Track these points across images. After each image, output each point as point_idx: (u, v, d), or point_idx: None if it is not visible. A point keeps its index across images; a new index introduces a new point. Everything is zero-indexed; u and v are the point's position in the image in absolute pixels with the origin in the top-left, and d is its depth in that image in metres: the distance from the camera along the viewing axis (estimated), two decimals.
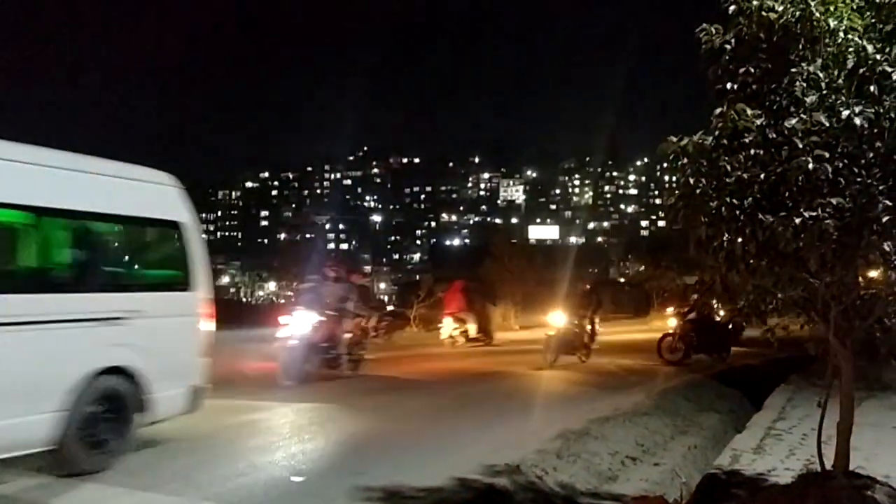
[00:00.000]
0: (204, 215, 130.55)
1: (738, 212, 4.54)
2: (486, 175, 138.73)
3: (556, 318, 14.43)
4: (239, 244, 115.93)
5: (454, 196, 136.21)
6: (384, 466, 6.38)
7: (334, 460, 6.79)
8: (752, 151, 4.54)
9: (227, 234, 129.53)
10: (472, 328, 18.80)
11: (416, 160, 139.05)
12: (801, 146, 4.32)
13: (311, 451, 7.12)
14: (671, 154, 4.82)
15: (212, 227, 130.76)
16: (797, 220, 4.27)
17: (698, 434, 9.60)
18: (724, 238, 4.61)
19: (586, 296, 15.72)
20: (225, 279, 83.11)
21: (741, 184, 4.54)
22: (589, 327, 14.83)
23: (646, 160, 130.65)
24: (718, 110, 4.64)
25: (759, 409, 10.37)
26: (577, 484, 6.67)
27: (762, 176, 4.50)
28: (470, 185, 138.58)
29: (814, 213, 4.25)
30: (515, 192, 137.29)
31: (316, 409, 9.19)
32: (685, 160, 4.75)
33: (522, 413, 9.34)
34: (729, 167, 4.56)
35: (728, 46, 4.74)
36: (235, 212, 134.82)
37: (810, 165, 4.24)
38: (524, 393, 11.35)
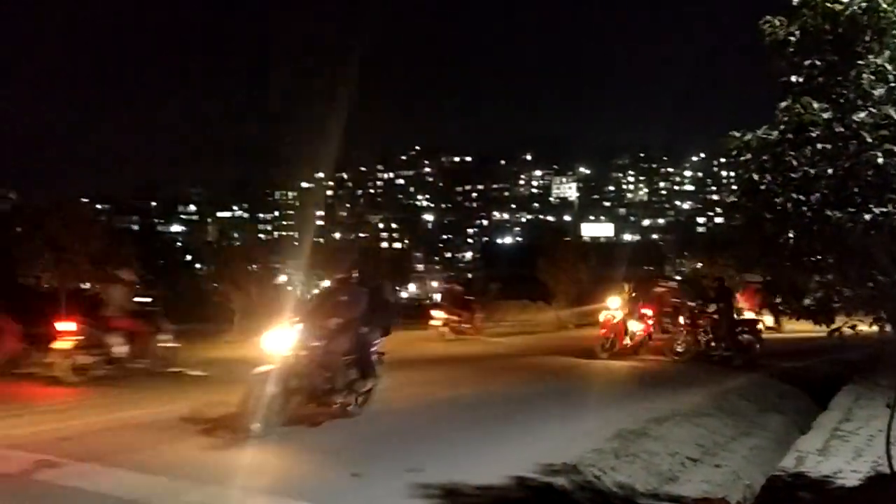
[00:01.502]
0: (261, 215, 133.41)
1: (804, 208, 4.45)
2: (539, 172, 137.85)
3: (278, 341, 7.78)
4: (296, 243, 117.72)
5: (506, 194, 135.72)
6: None
7: None
8: (819, 146, 4.44)
9: (284, 233, 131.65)
10: None
11: (468, 158, 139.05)
12: (869, 140, 4.21)
13: None
14: (734, 149, 4.74)
15: (269, 228, 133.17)
16: (867, 217, 4.17)
17: (761, 435, 9.40)
18: (790, 235, 4.52)
19: (341, 292, 8.74)
20: (283, 278, 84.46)
21: (808, 179, 4.44)
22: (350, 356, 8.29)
23: (702, 155, 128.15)
24: (783, 104, 4.55)
25: (824, 410, 10.11)
26: (637, 484, 6.60)
27: (830, 171, 4.40)
28: (522, 182, 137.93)
29: (884, 209, 4.15)
30: (568, 190, 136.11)
31: None
32: (748, 155, 4.67)
33: None
34: (795, 162, 4.47)
35: (792, 38, 4.64)
36: (292, 212, 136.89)
37: (880, 160, 4.13)
38: None
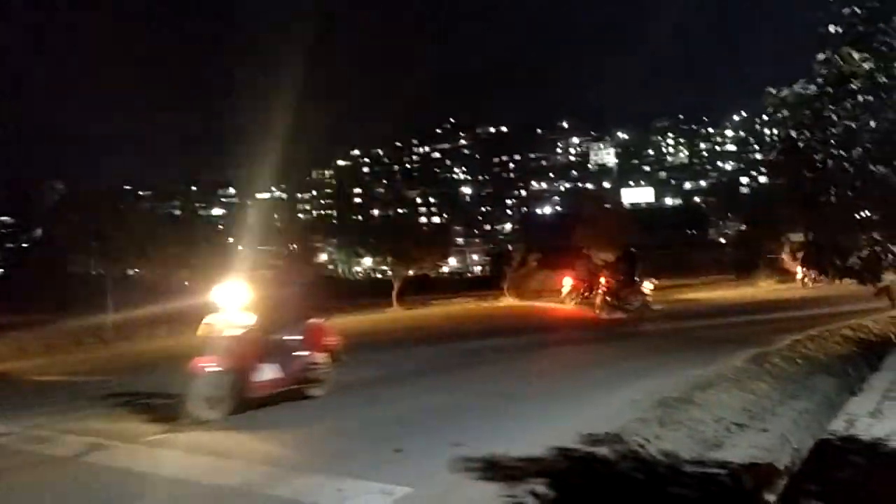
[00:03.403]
0: (300, 195, 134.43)
1: (846, 164, 4.28)
2: (576, 140, 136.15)
3: None
4: (334, 222, 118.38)
5: (544, 163, 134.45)
6: None
7: None
8: (861, 98, 4.26)
9: (322, 212, 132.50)
10: None
11: (504, 129, 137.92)
12: None
13: None
14: (770, 106, 4.58)
15: (307, 207, 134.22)
16: None
17: (810, 398, 9.18)
18: (832, 192, 4.36)
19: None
20: (323, 257, 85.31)
21: (849, 134, 4.28)
22: None
23: (744, 114, 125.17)
24: (821, 56, 4.36)
25: (875, 370, 9.83)
26: (681, 452, 6.51)
27: (872, 124, 4.22)
28: (559, 150, 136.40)
29: None
30: (607, 156, 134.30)
31: None
32: (786, 112, 4.50)
33: None
34: (835, 116, 4.30)
35: None
36: (329, 190, 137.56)
37: None
38: None
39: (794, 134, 4.41)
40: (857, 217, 4.36)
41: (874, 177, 4.12)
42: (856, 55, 4.19)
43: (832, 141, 4.30)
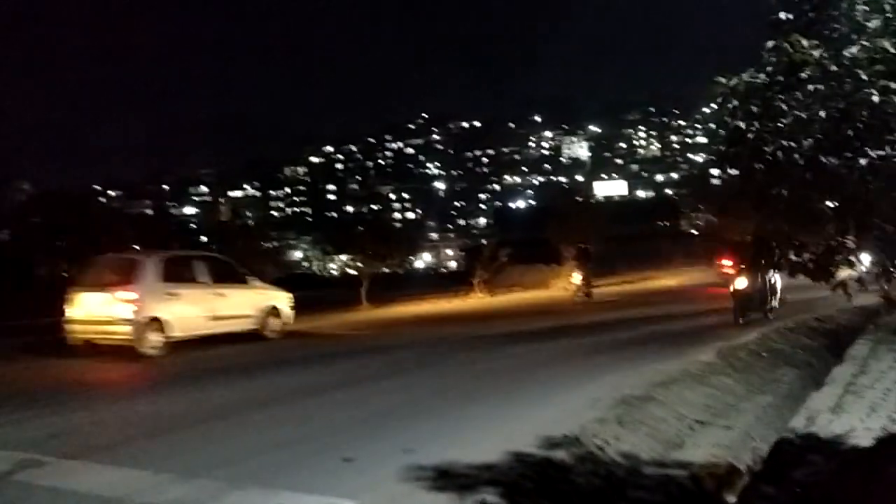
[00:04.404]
0: (273, 192, 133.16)
1: (796, 155, 4.10)
2: (549, 133, 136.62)
3: None
4: (308, 219, 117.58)
5: (517, 157, 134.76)
6: None
7: None
8: (811, 87, 4.08)
9: (296, 209, 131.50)
10: None
11: (477, 124, 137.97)
12: (864, 77, 3.84)
13: None
14: (719, 97, 4.40)
15: (281, 204, 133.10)
16: (863, 161, 3.82)
17: (774, 392, 9.11)
18: (783, 185, 4.19)
19: None
20: (297, 254, 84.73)
21: (799, 124, 4.09)
22: None
23: (714, 106, 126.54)
24: (771, 44, 4.18)
25: (840, 361, 9.79)
26: (642, 453, 6.34)
27: (823, 114, 4.04)
28: (532, 144, 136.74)
29: (882, 152, 3.79)
30: (579, 149, 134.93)
31: None
32: (735, 102, 4.32)
33: None
34: (785, 106, 4.12)
35: None
36: (303, 187, 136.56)
37: (875, 98, 3.76)
38: None
39: (742, 125, 4.22)
40: (810, 210, 4.18)
41: (824, 168, 3.94)
42: (805, 42, 4.00)
43: (783, 132, 4.11)
